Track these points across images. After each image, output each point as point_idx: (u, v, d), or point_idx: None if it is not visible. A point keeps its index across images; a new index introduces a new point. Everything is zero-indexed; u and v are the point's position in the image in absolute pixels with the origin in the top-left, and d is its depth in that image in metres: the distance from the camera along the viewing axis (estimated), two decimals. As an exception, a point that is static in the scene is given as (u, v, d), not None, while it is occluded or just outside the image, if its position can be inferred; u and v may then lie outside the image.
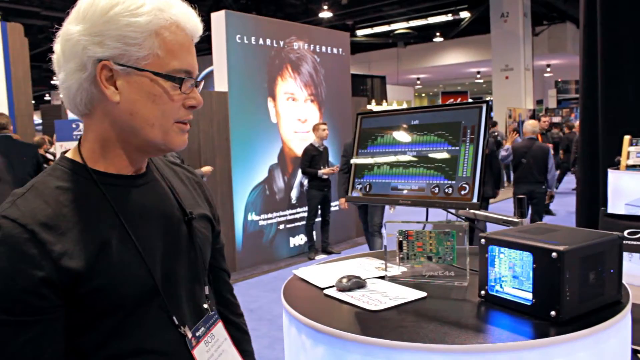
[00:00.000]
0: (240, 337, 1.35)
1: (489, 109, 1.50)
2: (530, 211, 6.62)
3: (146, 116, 0.94)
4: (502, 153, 6.67)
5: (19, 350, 0.85)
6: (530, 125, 6.80)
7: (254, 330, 4.40)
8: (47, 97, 30.35)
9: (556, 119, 18.14)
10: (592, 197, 5.08)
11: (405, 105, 21.90)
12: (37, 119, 15.01)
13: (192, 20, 1.00)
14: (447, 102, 1.79)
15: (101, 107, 0.96)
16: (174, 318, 1.00)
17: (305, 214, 7.27)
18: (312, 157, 6.73)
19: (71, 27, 0.92)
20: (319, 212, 7.01)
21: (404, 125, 1.68)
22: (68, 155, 1.00)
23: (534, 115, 19.06)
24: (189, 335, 1.01)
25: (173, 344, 1.00)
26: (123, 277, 0.93)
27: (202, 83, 1.05)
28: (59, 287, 0.86)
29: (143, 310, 0.96)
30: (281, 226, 6.97)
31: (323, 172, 6.65)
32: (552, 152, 6.53)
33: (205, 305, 1.11)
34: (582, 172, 5.36)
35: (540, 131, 9.25)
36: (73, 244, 0.88)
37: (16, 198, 0.90)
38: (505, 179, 13.97)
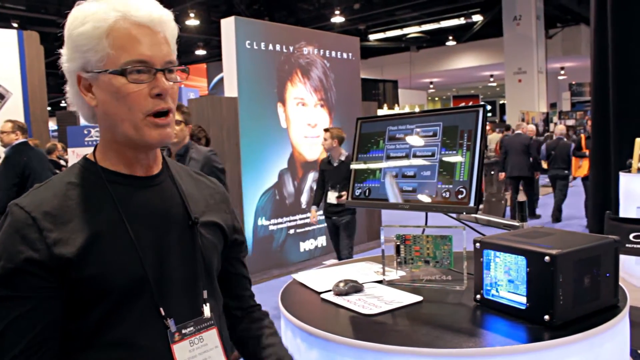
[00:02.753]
0: (267, 325, 1.27)
1: (486, 113, 1.50)
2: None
3: (116, 114, 1.01)
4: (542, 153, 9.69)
5: (12, 323, 0.92)
6: (559, 129, 9.94)
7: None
8: (63, 104, 30.70)
9: (570, 122, 17.98)
10: (604, 201, 5.03)
11: (417, 109, 21.84)
12: (53, 125, 15.18)
13: (142, 9, 0.99)
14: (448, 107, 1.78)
15: (96, 113, 1.05)
16: (161, 309, 1.02)
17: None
18: (322, 173, 5.41)
19: (62, 51, 1.04)
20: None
21: (403, 130, 1.68)
22: (87, 155, 1.09)
23: (547, 118, 18.89)
24: (172, 328, 1.03)
25: (157, 340, 1.01)
26: (114, 267, 0.98)
27: (176, 69, 1.03)
28: (53, 270, 0.94)
29: (132, 303, 1.00)
30: (291, 231, 6.96)
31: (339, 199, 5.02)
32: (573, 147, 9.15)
33: (202, 309, 1.11)
34: (594, 175, 5.30)
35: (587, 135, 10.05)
36: (70, 233, 0.96)
37: (33, 190, 1.02)
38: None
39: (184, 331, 1.05)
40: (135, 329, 1.00)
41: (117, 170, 1.06)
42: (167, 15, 1.04)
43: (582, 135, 9.76)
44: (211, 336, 1.10)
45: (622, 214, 4.55)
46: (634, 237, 2.18)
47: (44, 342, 0.94)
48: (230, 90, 6.39)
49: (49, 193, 1.00)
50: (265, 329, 1.25)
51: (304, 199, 7.12)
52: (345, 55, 7.71)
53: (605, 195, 5.05)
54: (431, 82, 28.40)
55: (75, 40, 0.99)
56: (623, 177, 4.71)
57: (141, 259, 1.01)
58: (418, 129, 1.64)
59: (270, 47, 6.67)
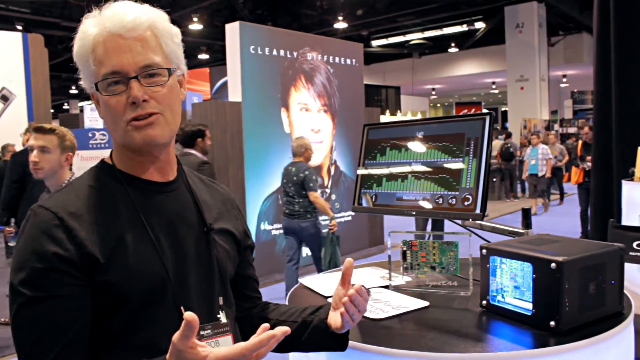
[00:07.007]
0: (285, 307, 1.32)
1: (492, 120, 1.52)
2: None
3: (108, 123, 1.06)
4: None
5: (49, 327, 0.92)
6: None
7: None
8: (65, 106, 30.76)
9: (572, 130, 18.00)
10: (606, 209, 5.03)
11: (419, 116, 21.87)
12: (55, 128, 15.21)
13: (114, 17, 1.00)
14: (461, 113, 1.80)
15: None
16: (182, 308, 1.03)
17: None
18: None
19: None
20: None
21: (409, 137, 1.70)
22: (105, 159, 1.12)
23: (549, 126, 18.91)
24: None
25: None
26: (138, 271, 0.99)
27: (149, 76, 1.01)
28: (82, 269, 0.95)
29: (155, 306, 1.01)
30: (294, 236, 6.98)
31: None
32: None
33: (219, 315, 1.12)
34: (596, 184, 5.32)
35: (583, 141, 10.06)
36: (95, 234, 0.98)
37: (55, 192, 1.04)
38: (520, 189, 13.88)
39: (202, 333, 1.06)
40: (158, 331, 1.01)
41: (134, 174, 1.08)
42: (146, 17, 1.01)
43: (579, 142, 9.65)
44: (227, 342, 1.10)
45: (625, 222, 4.56)
46: (638, 245, 2.20)
47: (77, 345, 0.95)
48: (235, 94, 6.42)
49: (72, 195, 1.02)
50: (281, 305, 1.30)
51: (307, 204, 7.12)
52: (348, 61, 7.74)
53: (607, 203, 5.06)
54: (433, 89, 28.42)
55: (76, 61, 1.04)
56: (625, 185, 4.72)
57: (164, 264, 1.02)
58: (424, 136, 1.66)
59: (275, 52, 6.70)
